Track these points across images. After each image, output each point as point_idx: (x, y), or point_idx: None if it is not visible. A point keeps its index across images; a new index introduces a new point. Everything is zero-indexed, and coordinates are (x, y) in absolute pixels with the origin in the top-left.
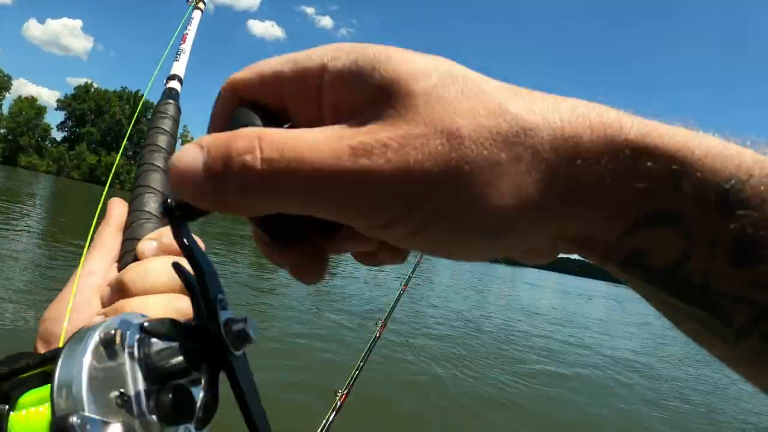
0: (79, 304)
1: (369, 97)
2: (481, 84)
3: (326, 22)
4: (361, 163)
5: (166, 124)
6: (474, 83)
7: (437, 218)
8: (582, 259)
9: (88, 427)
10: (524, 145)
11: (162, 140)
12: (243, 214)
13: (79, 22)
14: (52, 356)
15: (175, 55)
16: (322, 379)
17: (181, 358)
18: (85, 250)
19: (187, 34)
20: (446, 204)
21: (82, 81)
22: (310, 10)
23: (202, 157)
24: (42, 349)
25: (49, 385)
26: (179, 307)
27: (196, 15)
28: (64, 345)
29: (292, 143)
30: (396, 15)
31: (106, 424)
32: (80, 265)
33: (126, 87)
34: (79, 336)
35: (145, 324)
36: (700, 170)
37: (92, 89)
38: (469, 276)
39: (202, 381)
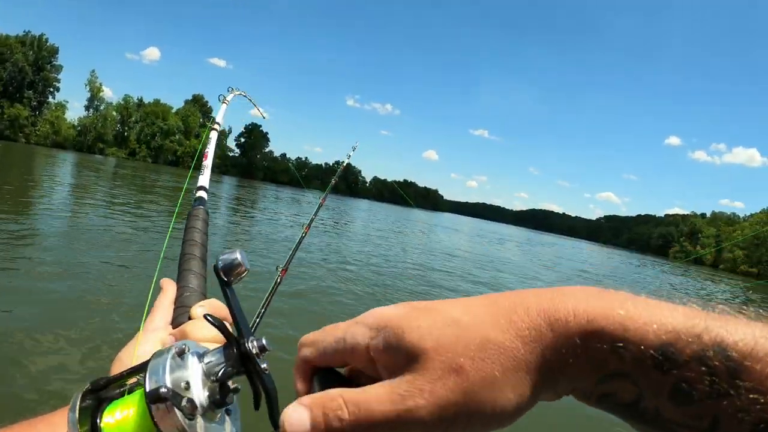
0: (147, 352)
1: (402, 360)
2: (469, 322)
3: None
4: (408, 403)
5: (199, 224)
6: (462, 326)
7: (471, 423)
8: (499, 206)
9: (171, 394)
10: (507, 359)
11: (197, 236)
12: None
13: None
14: (141, 366)
15: (200, 169)
16: None
17: (224, 365)
18: (145, 313)
19: (207, 152)
20: (471, 415)
21: None
22: None
23: (308, 414)
24: None
25: (131, 395)
26: None
27: (213, 135)
28: (151, 356)
29: (365, 399)
30: None
31: (180, 396)
32: (143, 322)
33: (29, 31)
34: (161, 350)
35: (206, 348)
36: (636, 343)
37: None
38: (384, 219)
39: (248, 380)
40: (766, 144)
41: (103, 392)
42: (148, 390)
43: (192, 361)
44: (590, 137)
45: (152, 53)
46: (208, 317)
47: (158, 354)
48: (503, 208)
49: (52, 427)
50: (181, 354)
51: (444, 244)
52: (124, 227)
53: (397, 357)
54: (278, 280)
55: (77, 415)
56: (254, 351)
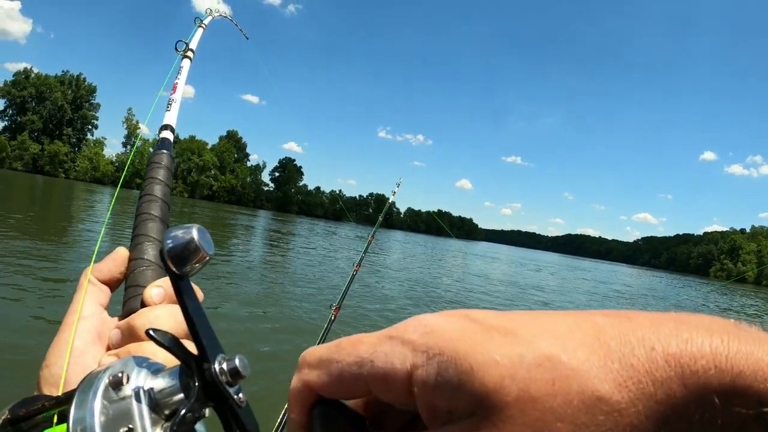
0: (77, 348)
1: (463, 407)
2: (569, 363)
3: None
4: None
5: (161, 174)
6: (560, 368)
7: None
8: (534, 232)
9: None
10: (622, 428)
11: (158, 190)
12: None
13: (17, 4)
14: (67, 398)
15: (166, 105)
16: (277, 370)
17: (182, 395)
18: (83, 294)
19: (176, 83)
20: None
21: (21, 66)
22: None
23: None
24: (47, 393)
25: (63, 425)
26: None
27: (185, 64)
28: (78, 386)
29: None
30: None
31: None
32: (78, 310)
33: (68, 71)
34: (90, 378)
35: (159, 365)
36: None
37: (32, 75)
38: (421, 250)
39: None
40: None
41: (24, 423)
42: None
43: (132, 398)
44: (623, 158)
45: (187, 90)
46: (151, 333)
47: (85, 385)
48: (539, 234)
49: None
50: (116, 386)
51: (486, 272)
52: None
53: (456, 401)
54: (332, 318)
55: None
56: (223, 378)
